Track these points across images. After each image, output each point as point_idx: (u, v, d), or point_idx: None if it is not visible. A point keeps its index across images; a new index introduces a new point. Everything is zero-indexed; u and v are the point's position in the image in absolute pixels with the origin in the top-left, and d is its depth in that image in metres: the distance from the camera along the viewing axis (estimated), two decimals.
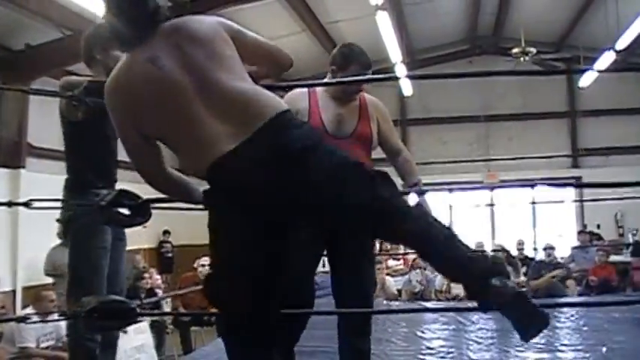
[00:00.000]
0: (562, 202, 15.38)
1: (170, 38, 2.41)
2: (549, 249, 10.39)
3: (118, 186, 3.01)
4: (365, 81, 3.72)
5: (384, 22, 10.44)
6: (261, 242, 2.25)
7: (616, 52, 12.40)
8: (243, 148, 2.22)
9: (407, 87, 15.02)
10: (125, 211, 2.81)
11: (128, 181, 3.16)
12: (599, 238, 13.93)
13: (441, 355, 5.04)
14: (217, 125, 2.26)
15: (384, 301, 9.34)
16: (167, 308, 9.29)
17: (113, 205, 2.78)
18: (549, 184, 15.06)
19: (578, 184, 16.24)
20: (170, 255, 15.17)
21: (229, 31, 2.53)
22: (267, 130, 2.26)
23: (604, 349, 5.07)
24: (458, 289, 9.79)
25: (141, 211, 2.80)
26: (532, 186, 12.75)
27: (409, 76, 15.30)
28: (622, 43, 12.05)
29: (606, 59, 12.64)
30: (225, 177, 2.25)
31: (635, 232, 14.43)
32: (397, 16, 12.47)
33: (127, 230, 2.91)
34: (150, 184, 2.55)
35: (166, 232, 15.17)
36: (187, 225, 11.12)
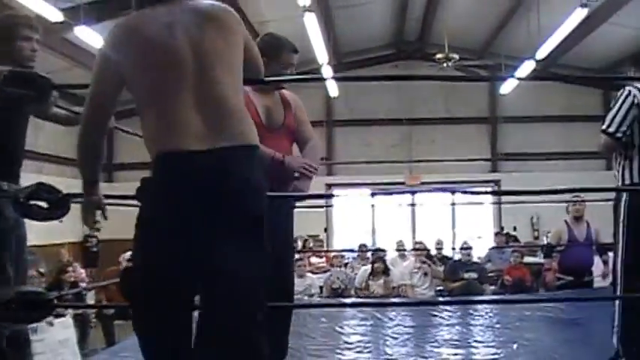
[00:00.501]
0: (481, 203, 15.75)
1: (196, 15, 2.41)
2: (466, 249, 10.64)
3: (41, 179, 2.96)
4: (293, 81, 3.74)
5: (312, 24, 10.53)
6: (183, 245, 2.25)
7: (536, 61, 12.78)
8: (208, 155, 2.24)
9: (333, 88, 15.13)
10: (43, 204, 2.79)
11: (51, 174, 3.14)
12: (515, 239, 14.29)
13: (359, 349, 5.13)
14: (195, 120, 2.27)
15: (305, 297, 9.45)
16: (91, 302, 9.20)
17: (31, 199, 2.77)
18: (467, 192, 15.48)
19: (496, 192, 16.65)
20: (95, 249, 14.97)
21: (245, 38, 2.56)
22: (234, 152, 2.29)
23: (515, 345, 5.21)
24: (376, 287, 9.96)
25: (60, 205, 2.79)
26: (452, 192, 13.10)
27: (335, 78, 15.44)
28: (542, 53, 12.43)
29: (526, 68, 13.02)
30: (178, 172, 2.25)
31: (549, 234, 14.86)
32: (325, 18, 12.56)
33: (50, 224, 2.87)
34: (84, 131, 2.49)
35: None
36: (113, 220, 10.99)
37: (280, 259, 3.31)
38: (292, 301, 3.88)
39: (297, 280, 9.63)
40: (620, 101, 3.77)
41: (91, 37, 9.77)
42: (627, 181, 3.80)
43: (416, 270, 10.43)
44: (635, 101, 3.74)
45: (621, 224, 3.79)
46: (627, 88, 3.81)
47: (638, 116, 3.74)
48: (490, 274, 10.82)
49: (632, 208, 3.74)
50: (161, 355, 2.37)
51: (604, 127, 3.78)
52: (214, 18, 2.44)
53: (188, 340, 2.35)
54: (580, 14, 10.42)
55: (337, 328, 5.90)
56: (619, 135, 3.73)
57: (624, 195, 3.81)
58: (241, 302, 2.30)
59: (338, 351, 5.11)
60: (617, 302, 3.85)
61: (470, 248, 10.70)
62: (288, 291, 3.64)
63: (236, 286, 2.28)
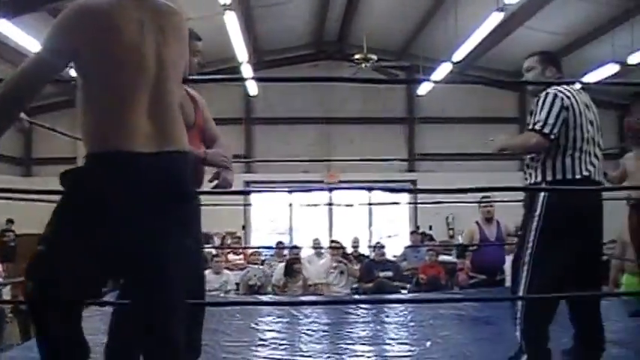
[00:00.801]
0: (398, 203, 15.94)
1: (160, 16, 2.42)
2: (379, 248, 10.72)
3: None
4: (213, 81, 3.70)
5: (232, 22, 10.52)
6: (117, 242, 2.26)
7: (453, 63, 13.03)
8: (154, 158, 2.29)
9: (252, 86, 15.12)
10: None
11: None
12: (431, 238, 14.51)
13: (274, 346, 5.12)
14: (145, 123, 2.30)
15: (221, 294, 9.39)
16: (7, 297, 8.98)
17: None
18: (385, 189, 15.62)
19: (411, 190, 16.86)
20: (12, 244, 14.64)
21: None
22: (175, 157, 2.36)
23: (428, 343, 5.26)
24: (293, 285, 9.97)
25: None
26: (369, 189, 13.18)
27: (256, 79, 15.47)
28: (459, 55, 12.67)
29: (443, 70, 13.25)
30: (124, 171, 2.27)
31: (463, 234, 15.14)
32: (246, 17, 12.54)
33: None
34: (14, 87, 2.36)
35: (9, 221, 14.67)
36: (32, 214, 10.75)
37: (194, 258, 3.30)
38: (204, 298, 3.85)
39: (213, 277, 9.62)
40: (550, 103, 3.84)
41: (9, 30, 9.61)
42: (549, 178, 3.90)
43: (332, 270, 10.49)
44: (565, 104, 3.83)
45: (536, 217, 3.85)
46: (552, 91, 3.89)
47: (567, 119, 3.84)
48: (406, 273, 10.96)
49: (550, 205, 3.82)
50: (62, 347, 2.36)
51: (538, 127, 3.83)
52: (173, 22, 2.48)
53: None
54: (497, 18, 10.68)
55: (252, 325, 5.89)
56: (552, 137, 3.82)
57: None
58: (172, 301, 2.38)
59: (253, 348, 5.09)
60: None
61: (383, 247, 10.78)
62: (200, 287, 3.61)
63: (168, 285, 2.35)
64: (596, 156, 3.96)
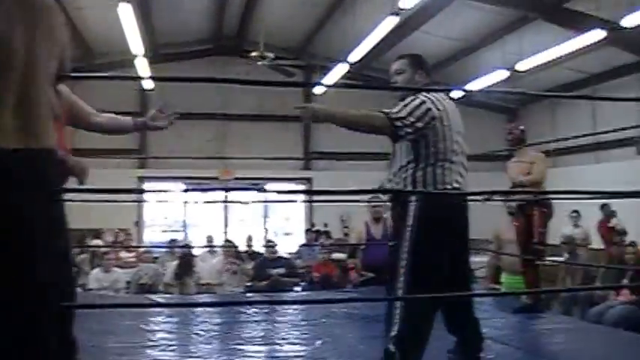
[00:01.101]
0: (294, 201, 16.02)
1: (34, 13, 2.35)
2: (270, 246, 10.72)
3: None
4: (108, 78, 3.63)
5: (127, 14, 10.33)
6: None
7: (350, 64, 13.18)
8: (25, 153, 2.25)
9: (148, 81, 14.91)
10: None
11: None
12: (328, 236, 14.61)
13: (162, 347, 5.04)
14: (10, 118, 2.24)
15: (111, 293, 9.21)
16: None
17: None
18: (279, 192, 15.68)
19: (297, 191, 16.97)
20: None
21: (65, 35, 2.54)
22: (43, 154, 2.32)
23: (319, 342, 5.31)
24: (187, 287, 9.89)
25: None
26: (263, 190, 13.25)
27: (152, 78, 15.26)
28: (355, 56, 12.83)
29: (340, 70, 13.39)
30: None
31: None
32: (143, 9, 12.33)
33: None
34: None
35: None
36: None
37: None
38: (74, 297, 3.75)
39: (103, 275, 9.45)
40: (414, 106, 3.81)
41: None
42: (420, 189, 3.90)
43: (225, 271, 10.46)
44: (431, 114, 3.81)
45: (409, 227, 3.83)
46: (422, 97, 3.86)
47: (430, 127, 3.82)
48: (300, 270, 11.01)
49: (422, 217, 3.80)
50: None
51: (392, 116, 3.82)
52: (47, 19, 2.42)
53: None
54: (392, 22, 10.85)
55: (142, 326, 5.78)
56: (399, 134, 3.84)
57: (413, 200, 3.90)
58: (39, 301, 2.31)
59: (141, 349, 5.00)
60: (397, 306, 3.87)
61: (275, 245, 10.79)
62: (71, 286, 3.53)
63: (36, 285, 2.28)
64: (464, 167, 4.00)
